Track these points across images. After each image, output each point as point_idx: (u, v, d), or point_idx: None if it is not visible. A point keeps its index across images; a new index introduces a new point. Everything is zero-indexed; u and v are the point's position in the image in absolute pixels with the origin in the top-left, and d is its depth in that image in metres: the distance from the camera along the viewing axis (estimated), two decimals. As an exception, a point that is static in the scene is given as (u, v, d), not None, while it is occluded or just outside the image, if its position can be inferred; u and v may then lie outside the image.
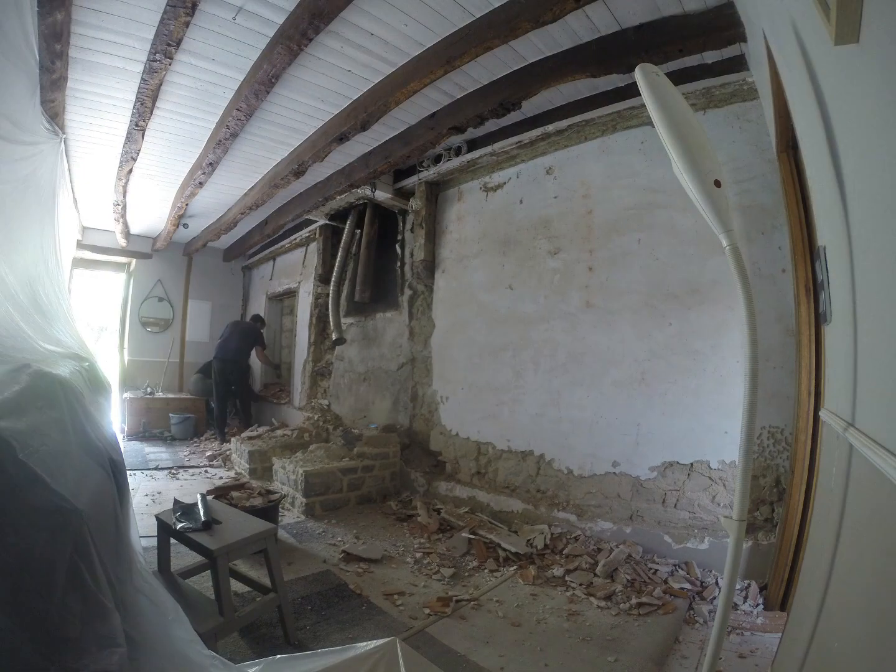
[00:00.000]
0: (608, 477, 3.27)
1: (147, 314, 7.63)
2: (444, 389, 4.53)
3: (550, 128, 3.64)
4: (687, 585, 2.54)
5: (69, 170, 4.50)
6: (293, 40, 2.62)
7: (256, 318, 7.28)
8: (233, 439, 5.58)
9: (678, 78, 2.82)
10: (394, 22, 2.65)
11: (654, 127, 1.33)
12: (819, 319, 2.12)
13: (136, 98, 3.26)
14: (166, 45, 2.69)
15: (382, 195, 4.98)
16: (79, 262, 6.96)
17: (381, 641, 1.38)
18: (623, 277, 3.32)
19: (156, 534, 2.26)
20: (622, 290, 3.32)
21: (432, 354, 4.69)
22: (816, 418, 2.17)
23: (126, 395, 6.95)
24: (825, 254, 1.41)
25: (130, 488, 3.61)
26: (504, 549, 3.07)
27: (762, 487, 2.67)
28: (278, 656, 1.39)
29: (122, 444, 4.47)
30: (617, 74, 2.87)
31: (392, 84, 3.10)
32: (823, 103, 1.14)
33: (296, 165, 4.18)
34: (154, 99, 3.29)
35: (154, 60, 2.83)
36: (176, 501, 2.35)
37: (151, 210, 6.08)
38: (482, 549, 3.08)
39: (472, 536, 3.23)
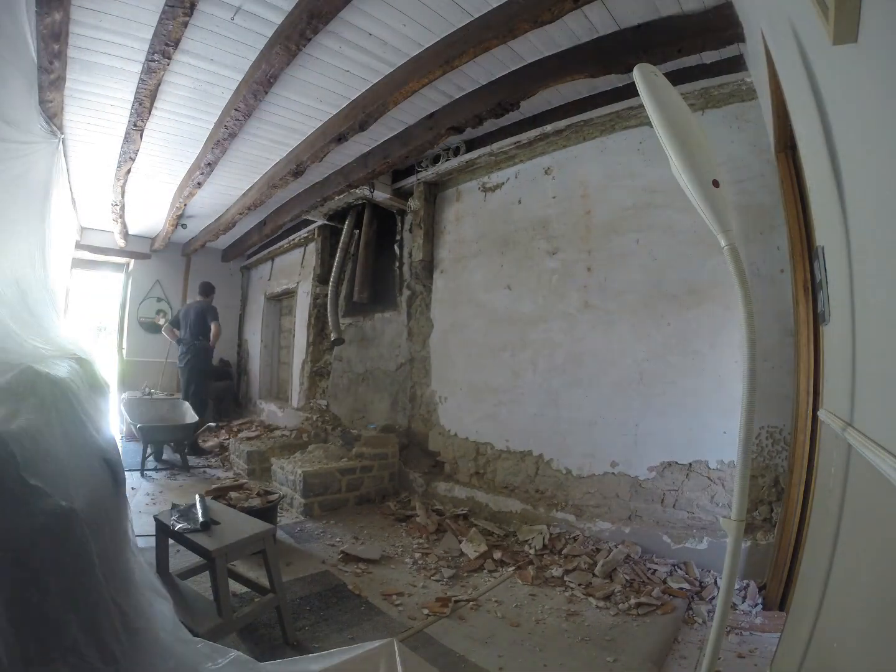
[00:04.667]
0: (607, 477, 3.27)
1: (145, 314, 7.61)
2: (442, 390, 4.53)
3: (549, 128, 3.64)
4: (686, 585, 2.54)
5: (67, 170, 4.49)
6: (291, 40, 2.61)
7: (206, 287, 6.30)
8: (231, 439, 5.57)
9: (676, 78, 2.82)
10: (392, 22, 2.65)
11: (652, 127, 1.33)
12: (817, 319, 2.12)
13: (135, 98, 3.25)
14: (164, 46, 2.69)
15: (381, 195, 4.98)
16: (77, 263, 6.93)
17: (379, 642, 1.37)
18: (621, 278, 3.33)
19: (154, 534, 2.25)
20: (621, 291, 3.32)
21: (431, 355, 4.69)
22: (815, 418, 2.17)
23: (124, 395, 6.93)
24: (824, 254, 1.41)
25: (130, 488, 3.60)
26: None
27: (761, 487, 2.67)
28: (276, 661, 1.39)
29: (120, 445, 4.47)
30: (615, 75, 2.87)
31: (390, 84, 3.10)
32: (822, 103, 1.14)
33: (294, 166, 4.18)
34: (152, 99, 3.28)
35: (152, 60, 2.82)
36: (174, 505, 2.35)
37: (150, 210, 6.07)
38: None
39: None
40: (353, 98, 3.39)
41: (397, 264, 5.20)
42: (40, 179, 2.91)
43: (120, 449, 1.75)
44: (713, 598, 2.45)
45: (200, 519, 2.10)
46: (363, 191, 4.86)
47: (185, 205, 5.43)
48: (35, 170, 2.75)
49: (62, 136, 3.55)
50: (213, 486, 3.35)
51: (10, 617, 0.80)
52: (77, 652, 0.91)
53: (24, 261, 2.25)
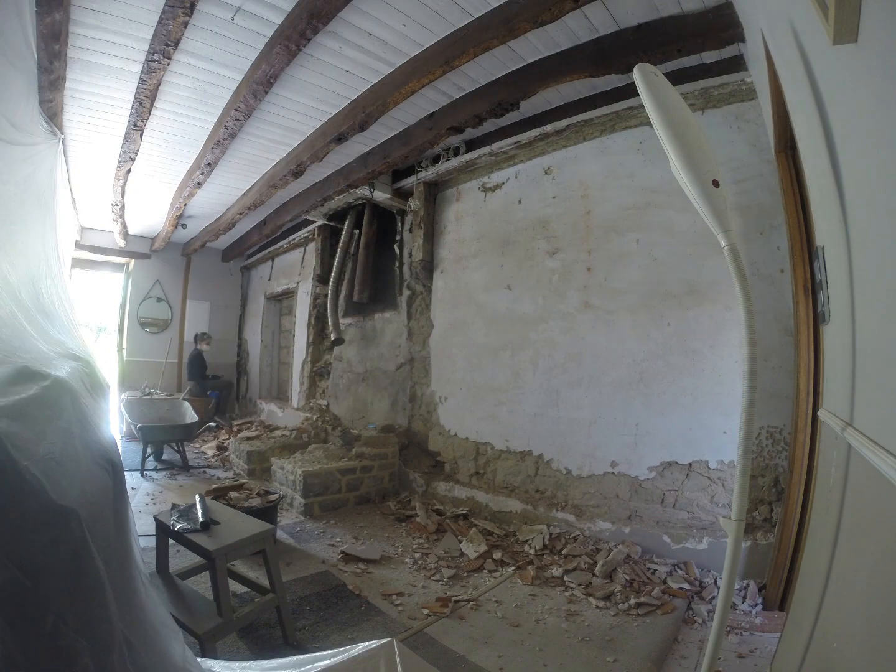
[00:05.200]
0: (607, 477, 3.27)
1: (145, 314, 7.61)
2: (442, 390, 4.53)
3: (549, 128, 3.64)
4: (686, 585, 2.54)
5: (67, 170, 4.49)
6: (291, 40, 2.61)
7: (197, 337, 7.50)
8: (231, 440, 5.57)
9: (676, 78, 2.82)
10: (392, 22, 2.65)
11: (652, 127, 1.33)
12: (817, 319, 2.12)
13: (135, 98, 3.25)
14: (164, 46, 2.69)
15: (381, 195, 4.98)
16: (77, 263, 6.95)
17: (379, 642, 1.37)
18: (621, 278, 3.33)
19: (154, 534, 2.25)
20: (620, 291, 3.32)
21: (431, 355, 4.69)
22: (815, 418, 2.17)
23: (124, 395, 6.94)
24: (824, 254, 1.41)
25: (131, 488, 3.60)
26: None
27: (761, 487, 2.67)
28: (276, 660, 1.39)
29: (121, 445, 4.47)
30: (615, 75, 2.87)
31: (390, 84, 3.10)
32: (822, 103, 1.14)
33: (294, 166, 4.18)
34: (152, 99, 3.28)
35: (152, 60, 2.82)
36: (174, 505, 2.35)
37: (150, 210, 6.07)
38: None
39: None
40: (353, 98, 3.39)
41: (397, 264, 5.20)
42: (46, 179, 2.92)
43: (120, 449, 1.75)
44: (713, 598, 2.45)
45: (200, 519, 2.10)
46: (363, 191, 4.86)
47: (185, 205, 5.43)
48: (41, 170, 2.76)
49: (62, 136, 3.55)
50: (213, 486, 3.35)
51: (8, 616, 0.80)
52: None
53: (39, 261, 2.25)
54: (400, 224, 5.23)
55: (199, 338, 7.48)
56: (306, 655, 1.43)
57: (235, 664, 1.43)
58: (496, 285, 4.14)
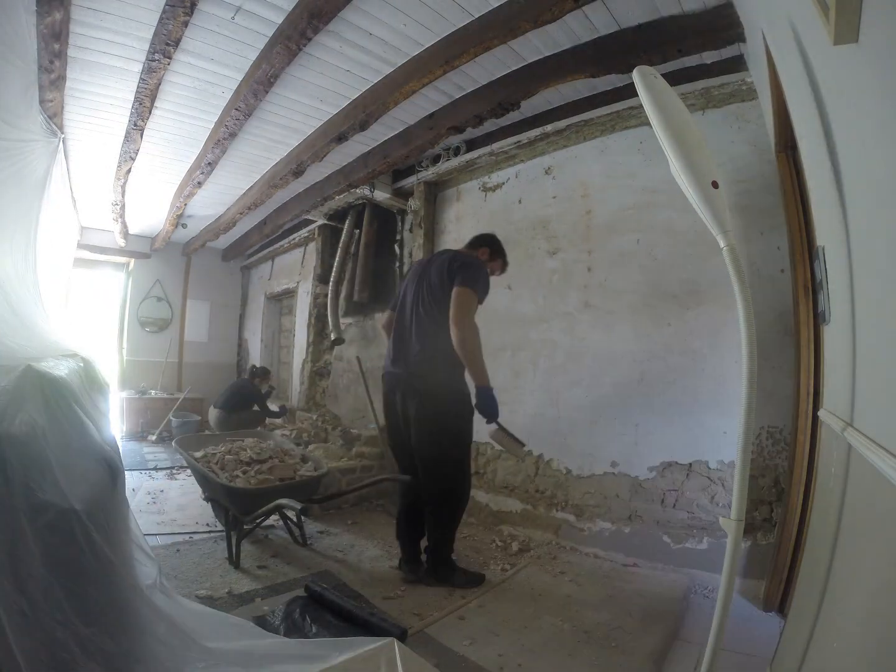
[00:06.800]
0: (607, 477, 3.26)
1: (146, 314, 7.62)
2: (442, 389, 4.51)
3: (549, 128, 3.64)
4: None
5: (68, 169, 4.49)
6: (292, 40, 2.61)
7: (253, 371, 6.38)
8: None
9: (677, 78, 2.82)
10: (393, 22, 2.65)
11: (652, 127, 1.33)
12: (818, 319, 2.12)
13: (135, 98, 3.26)
14: (165, 45, 2.69)
15: (381, 195, 4.98)
16: (77, 262, 6.94)
17: (379, 642, 1.37)
18: (622, 278, 3.32)
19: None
20: (621, 291, 3.32)
21: (431, 354, 4.68)
22: (815, 418, 2.17)
23: (124, 394, 6.94)
24: (824, 254, 1.41)
25: (131, 489, 3.60)
26: None
27: (761, 487, 2.67)
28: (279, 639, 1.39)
29: (121, 445, 4.47)
30: (615, 74, 2.87)
31: (391, 84, 3.10)
32: (822, 103, 1.14)
33: (294, 165, 4.18)
34: (153, 98, 3.28)
35: (153, 60, 2.82)
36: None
37: (150, 210, 6.07)
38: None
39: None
40: (353, 98, 3.39)
41: (398, 264, 5.20)
42: (35, 179, 2.91)
43: (120, 449, 1.75)
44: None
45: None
46: (363, 190, 4.86)
47: (186, 204, 5.43)
48: (29, 169, 2.76)
49: (62, 136, 3.55)
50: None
51: (9, 616, 0.80)
52: (86, 651, 0.90)
53: (6, 260, 2.25)
54: (400, 224, 5.23)
55: (255, 373, 6.31)
56: (308, 641, 1.44)
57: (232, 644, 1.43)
58: (496, 285, 4.09)
